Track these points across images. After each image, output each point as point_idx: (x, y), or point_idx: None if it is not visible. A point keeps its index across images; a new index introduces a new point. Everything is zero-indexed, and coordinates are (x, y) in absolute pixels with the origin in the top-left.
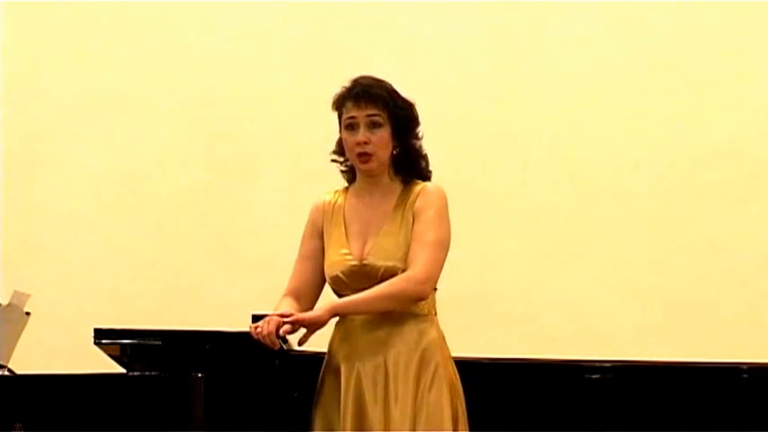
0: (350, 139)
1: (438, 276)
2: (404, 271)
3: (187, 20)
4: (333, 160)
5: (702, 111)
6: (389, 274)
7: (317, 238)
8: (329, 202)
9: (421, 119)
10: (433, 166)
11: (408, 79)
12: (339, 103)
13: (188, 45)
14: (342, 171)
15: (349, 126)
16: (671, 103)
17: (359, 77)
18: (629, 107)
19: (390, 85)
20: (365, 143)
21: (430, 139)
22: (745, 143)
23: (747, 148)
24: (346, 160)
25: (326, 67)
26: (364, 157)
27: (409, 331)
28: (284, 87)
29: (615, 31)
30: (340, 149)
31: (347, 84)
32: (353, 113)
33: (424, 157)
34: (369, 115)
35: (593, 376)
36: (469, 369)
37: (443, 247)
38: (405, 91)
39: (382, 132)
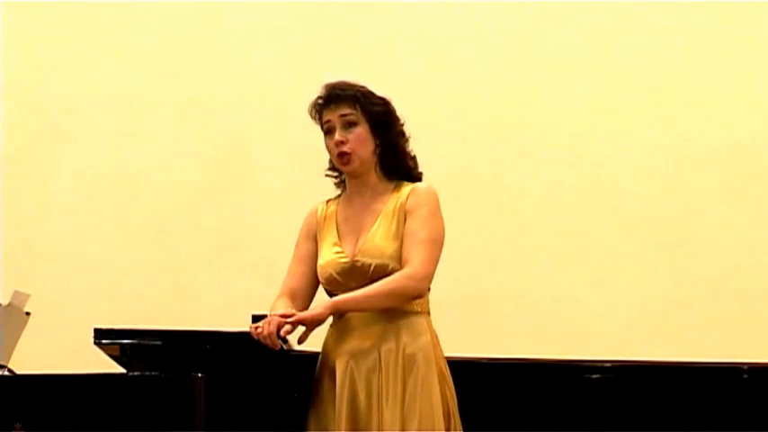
0: (329, 143)
1: (434, 273)
2: (394, 269)
3: (187, 20)
4: (327, 175)
5: (703, 112)
6: (380, 271)
7: (311, 241)
8: (323, 209)
9: (420, 119)
10: (432, 165)
11: (410, 80)
12: (315, 113)
13: (188, 46)
14: (335, 184)
15: (327, 131)
16: (671, 105)
17: (328, 83)
18: (629, 108)
19: (361, 84)
20: (342, 143)
21: (429, 139)
22: (745, 143)
23: (748, 148)
24: (340, 173)
25: (327, 67)
26: (344, 157)
27: (402, 331)
28: (284, 88)
29: (616, 31)
30: (331, 162)
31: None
32: (328, 117)
33: (413, 159)
34: (342, 115)
35: (593, 376)
36: (469, 369)
37: (438, 244)
38: (404, 92)
39: (358, 130)
